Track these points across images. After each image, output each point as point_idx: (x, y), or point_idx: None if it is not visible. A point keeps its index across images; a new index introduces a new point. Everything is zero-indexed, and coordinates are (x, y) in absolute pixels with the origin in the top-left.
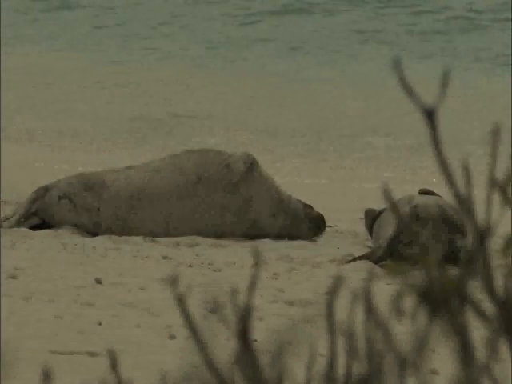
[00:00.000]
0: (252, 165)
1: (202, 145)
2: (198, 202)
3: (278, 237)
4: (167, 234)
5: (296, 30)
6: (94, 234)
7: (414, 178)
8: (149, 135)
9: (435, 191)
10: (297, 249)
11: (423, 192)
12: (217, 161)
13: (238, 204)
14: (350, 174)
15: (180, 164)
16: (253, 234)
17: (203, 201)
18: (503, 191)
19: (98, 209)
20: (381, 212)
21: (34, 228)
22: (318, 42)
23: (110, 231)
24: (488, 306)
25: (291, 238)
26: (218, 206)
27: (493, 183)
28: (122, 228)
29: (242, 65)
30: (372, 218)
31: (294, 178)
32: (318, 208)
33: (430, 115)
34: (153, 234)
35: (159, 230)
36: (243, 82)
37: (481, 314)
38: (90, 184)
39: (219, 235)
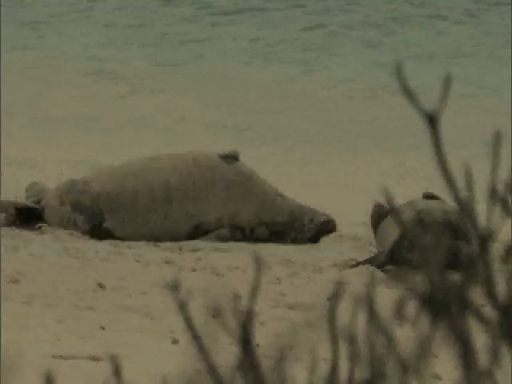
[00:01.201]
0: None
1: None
2: (199, 194)
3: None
4: (169, 233)
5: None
6: (93, 235)
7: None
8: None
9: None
10: (298, 253)
11: (427, 196)
12: (210, 154)
13: (243, 187)
14: (352, 177)
15: (175, 160)
16: (265, 216)
17: (204, 192)
18: (503, 201)
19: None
20: (388, 212)
21: (28, 217)
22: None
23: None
24: (490, 312)
25: (297, 233)
26: (219, 195)
27: (493, 191)
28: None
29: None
30: (378, 216)
31: (294, 180)
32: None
33: (431, 120)
34: (155, 234)
35: (162, 230)
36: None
37: (482, 319)
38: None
39: (224, 224)
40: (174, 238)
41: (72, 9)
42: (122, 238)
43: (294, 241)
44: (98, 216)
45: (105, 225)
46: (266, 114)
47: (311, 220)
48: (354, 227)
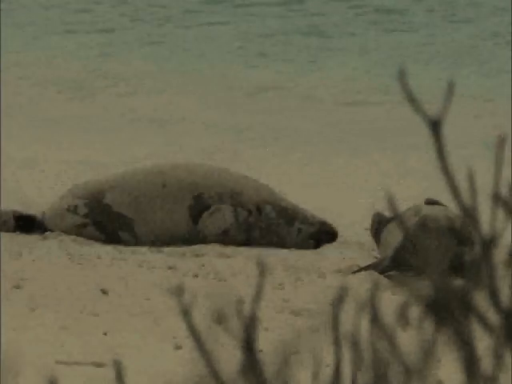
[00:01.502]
0: None
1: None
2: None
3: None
4: (168, 204)
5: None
6: (93, 215)
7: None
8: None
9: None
10: (301, 258)
11: (429, 202)
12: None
13: (237, 174)
14: (352, 177)
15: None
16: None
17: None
18: (506, 205)
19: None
20: (390, 220)
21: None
22: None
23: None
24: (493, 316)
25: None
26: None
27: (497, 196)
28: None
29: None
30: (379, 224)
31: (294, 180)
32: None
33: (434, 126)
34: (154, 202)
35: (161, 200)
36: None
37: (486, 323)
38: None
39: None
40: (174, 211)
41: (72, 9)
42: (121, 214)
43: (299, 231)
44: (98, 194)
45: (104, 201)
46: (265, 114)
47: (313, 216)
48: (353, 227)
